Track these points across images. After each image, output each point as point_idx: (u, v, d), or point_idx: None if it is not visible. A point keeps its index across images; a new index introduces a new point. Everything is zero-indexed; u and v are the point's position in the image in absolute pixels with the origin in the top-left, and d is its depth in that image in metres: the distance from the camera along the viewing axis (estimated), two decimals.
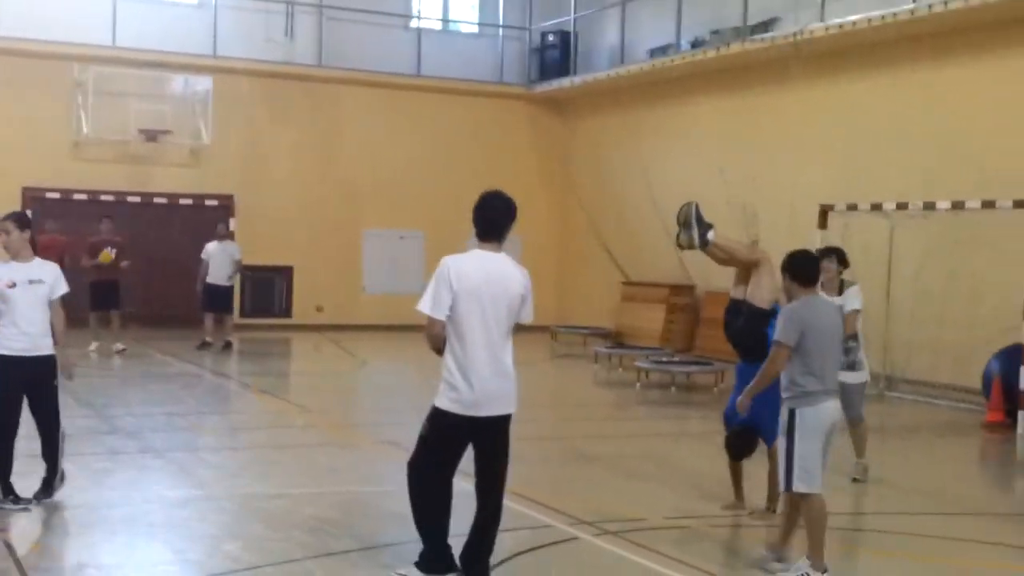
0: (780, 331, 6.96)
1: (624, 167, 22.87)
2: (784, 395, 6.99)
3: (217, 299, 18.81)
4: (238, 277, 19.65)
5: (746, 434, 8.33)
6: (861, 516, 8.93)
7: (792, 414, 6.89)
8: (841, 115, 17.85)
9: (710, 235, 8.35)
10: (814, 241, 15.80)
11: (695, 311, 20.51)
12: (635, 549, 7.52)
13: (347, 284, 23.55)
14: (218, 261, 18.71)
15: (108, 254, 17.24)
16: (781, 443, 6.98)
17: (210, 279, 18.68)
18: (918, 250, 15.82)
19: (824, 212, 15.80)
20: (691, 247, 8.42)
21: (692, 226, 8.36)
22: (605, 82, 22.72)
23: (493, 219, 6.56)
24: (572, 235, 24.67)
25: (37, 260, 8.26)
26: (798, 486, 6.83)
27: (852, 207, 15.86)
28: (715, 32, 20.04)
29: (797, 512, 7.02)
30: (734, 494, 8.68)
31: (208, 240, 19.06)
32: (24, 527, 7.64)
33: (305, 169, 23.16)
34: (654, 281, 21.18)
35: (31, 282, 8.05)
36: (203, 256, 18.78)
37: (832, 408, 6.94)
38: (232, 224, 22.14)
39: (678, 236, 8.48)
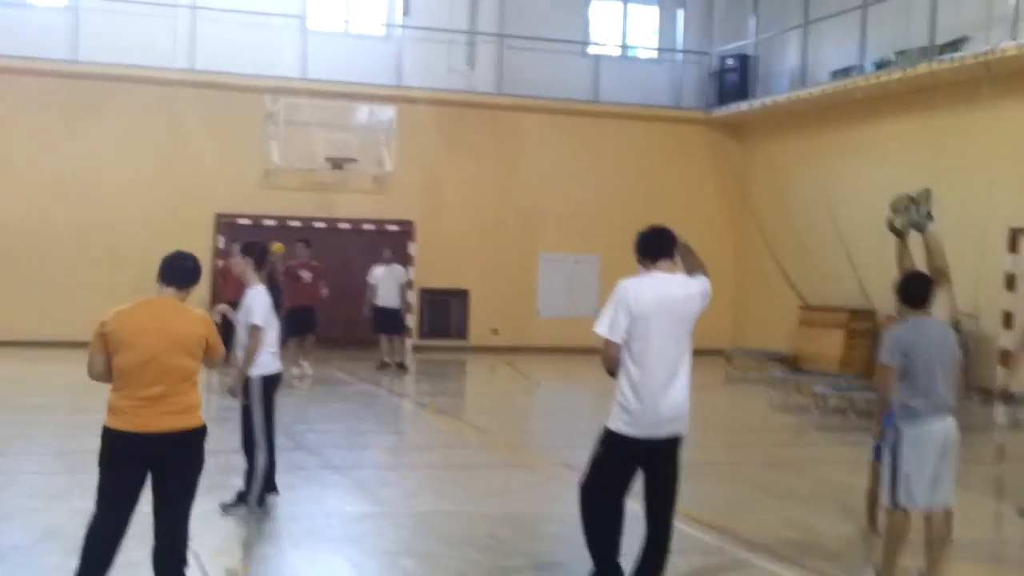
0: (883, 353, 7.06)
1: (804, 190, 22.49)
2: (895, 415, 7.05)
3: (388, 321, 19.14)
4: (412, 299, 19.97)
5: None
6: None
7: (898, 432, 6.99)
8: None
9: (931, 226, 8.40)
10: (1003, 264, 15.30)
11: (875, 336, 19.96)
12: (808, 573, 7.40)
13: (522, 307, 23.80)
14: (386, 284, 19.02)
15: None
16: (886, 459, 7.06)
17: (380, 302, 18.98)
18: None
19: (1014, 235, 15.24)
20: (905, 229, 8.51)
21: (912, 210, 8.58)
22: (785, 105, 22.42)
23: (654, 241, 6.60)
24: (750, 258, 24.36)
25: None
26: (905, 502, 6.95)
27: None
28: (901, 53, 19.55)
29: (930, 532, 7.08)
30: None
31: (373, 264, 19.35)
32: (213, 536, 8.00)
33: (483, 195, 23.55)
34: (833, 305, 20.74)
35: None
36: (370, 280, 19.10)
37: (941, 427, 6.93)
38: (412, 248, 22.69)
39: (892, 221, 8.63)
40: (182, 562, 5.94)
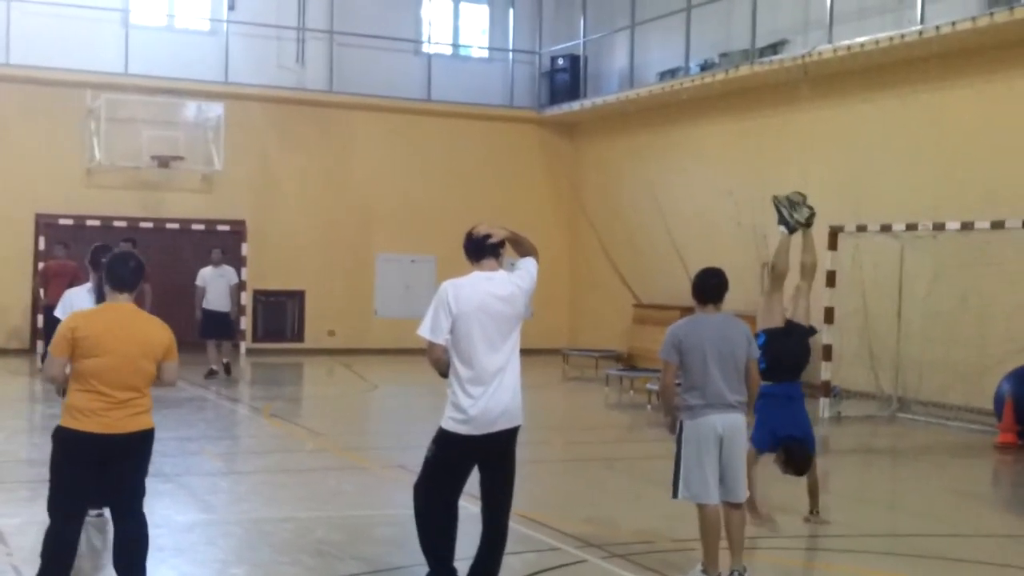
0: (661, 349, 7.22)
1: (634, 189, 22.91)
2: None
3: (217, 326, 18.19)
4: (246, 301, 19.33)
5: (803, 447, 8.68)
6: (872, 538, 8.88)
7: (680, 426, 7.18)
8: (850, 136, 17.88)
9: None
10: (824, 262, 15.84)
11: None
12: (644, 572, 7.51)
13: (359, 308, 23.60)
14: (215, 287, 18.17)
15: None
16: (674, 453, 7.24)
17: (208, 305, 18.09)
18: (928, 271, 15.80)
19: (834, 233, 15.80)
20: (810, 223, 9.20)
21: (801, 207, 9.22)
22: (615, 105, 22.79)
23: (476, 244, 6.59)
24: (583, 258, 24.69)
25: None
26: (683, 494, 7.14)
27: (862, 228, 15.87)
28: (724, 55, 20.10)
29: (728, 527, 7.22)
30: (811, 507, 8.97)
31: (203, 266, 18.49)
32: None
33: (317, 194, 23.27)
34: (665, 303, 21.16)
35: None
36: (198, 283, 18.18)
37: (719, 422, 7.05)
38: (244, 249, 22.24)
39: (792, 214, 9.22)
40: (144, 556, 6.24)
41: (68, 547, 6.11)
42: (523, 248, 6.73)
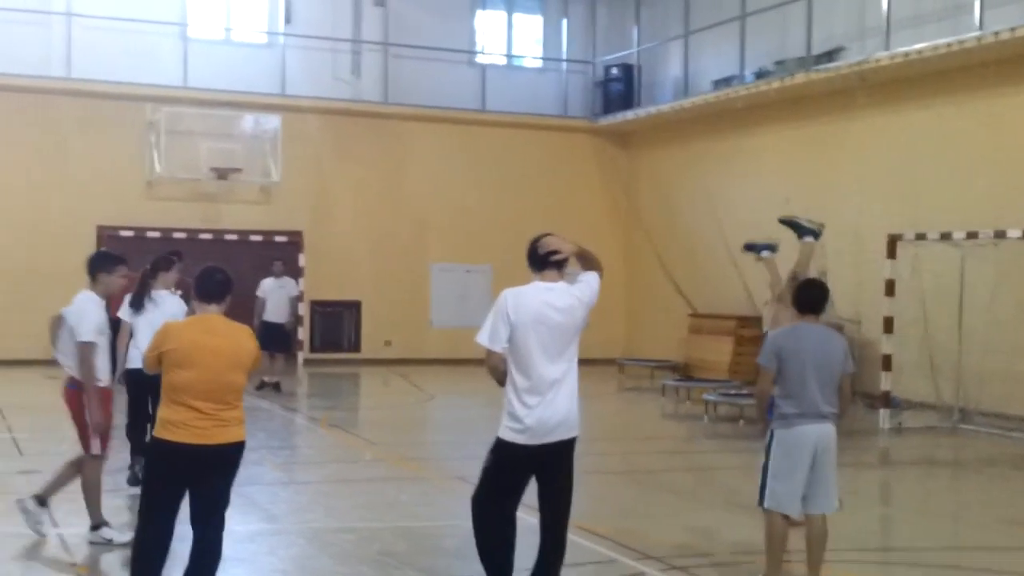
0: (760, 355, 7.29)
1: (689, 198, 22.84)
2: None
3: (274, 338, 17.90)
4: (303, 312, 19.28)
5: None
6: (935, 551, 8.78)
7: (771, 435, 7.16)
8: (907, 144, 17.70)
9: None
10: (883, 271, 15.70)
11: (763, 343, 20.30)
12: None
13: (415, 318, 23.70)
14: (275, 299, 18.18)
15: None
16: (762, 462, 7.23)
17: (267, 317, 18.03)
18: (989, 279, 15.59)
19: (892, 242, 15.65)
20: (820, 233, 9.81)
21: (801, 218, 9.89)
22: (669, 114, 22.74)
23: (539, 255, 6.59)
24: (638, 267, 24.62)
25: None
26: (768, 503, 7.11)
27: (921, 237, 15.70)
28: (779, 62, 19.99)
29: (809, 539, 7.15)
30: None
31: (262, 277, 18.44)
32: (102, 559, 7.78)
33: (372, 205, 23.42)
34: (722, 313, 21.07)
35: None
36: (259, 294, 18.16)
37: (813, 433, 7.01)
38: (301, 260, 22.44)
39: (808, 231, 9.87)
40: (215, 567, 6.29)
41: (158, 553, 6.19)
42: (589, 263, 6.75)
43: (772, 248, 10.78)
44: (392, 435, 14.92)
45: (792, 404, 7.02)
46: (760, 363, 7.20)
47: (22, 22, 21.12)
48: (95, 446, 7.96)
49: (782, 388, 7.08)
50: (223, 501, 6.29)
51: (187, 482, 6.12)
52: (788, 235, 11.02)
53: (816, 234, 9.59)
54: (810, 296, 7.30)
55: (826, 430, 7.06)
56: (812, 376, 7.00)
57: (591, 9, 25.39)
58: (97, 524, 8.04)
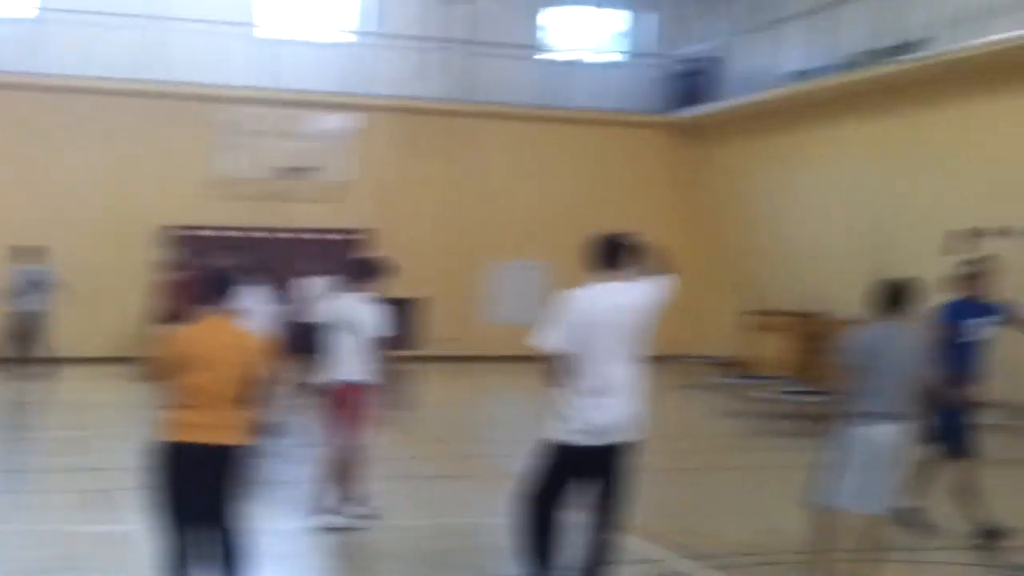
0: (840, 352, 7.28)
1: (763, 192, 22.48)
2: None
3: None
4: None
5: None
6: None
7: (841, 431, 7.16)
8: (998, 135, 17.15)
9: None
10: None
11: (823, 340, 20.03)
12: None
13: (477, 315, 23.75)
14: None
15: None
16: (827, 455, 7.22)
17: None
18: None
19: (978, 236, 15.32)
20: None
21: None
22: (743, 107, 22.43)
23: (602, 250, 6.60)
24: (701, 263, 24.28)
25: None
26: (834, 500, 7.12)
27: (1006, 231, 15.36)
28: (861, 53, 19.41)
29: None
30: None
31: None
32: None
33: (440, 202, 23.48)
34: (788, 309, 20.84)
35: None
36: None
37: (884, 433, 6.99)
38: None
39: None
40: (236, 567, 6.27)
41: (181, 558, 6.21)
42: (663, 266, 6.74)
43: None
44: (446, 432, 14.89)
45: (870, 402, 7.00)
46: (840, 359, 7.20)
47: (94, 25, 21.27)
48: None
49: (861, 385, 7.04)
50: (235, 502, 6.28)
51: (202, 483, 6.13)
52: None
53: None
54: (897, 295, 7.29)
55: (899, 431, 7.07)
56: (893, 375, 7.01)
57: (664, 2, 25.16)
58: None
